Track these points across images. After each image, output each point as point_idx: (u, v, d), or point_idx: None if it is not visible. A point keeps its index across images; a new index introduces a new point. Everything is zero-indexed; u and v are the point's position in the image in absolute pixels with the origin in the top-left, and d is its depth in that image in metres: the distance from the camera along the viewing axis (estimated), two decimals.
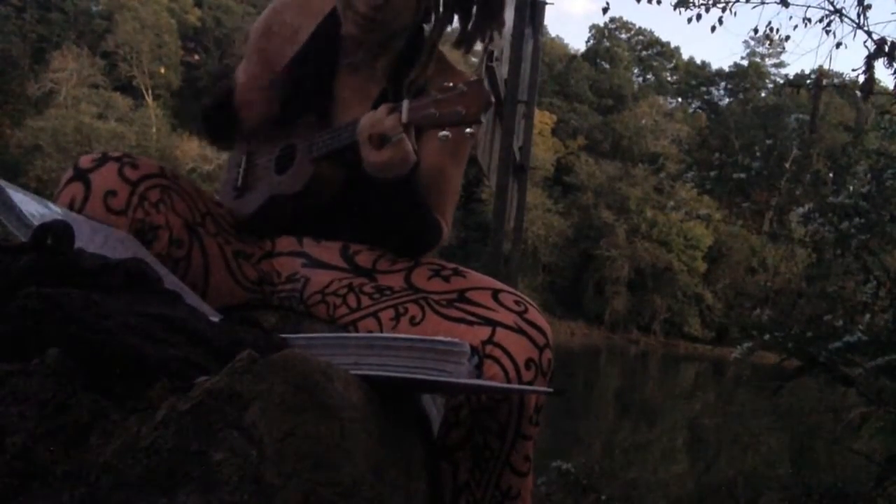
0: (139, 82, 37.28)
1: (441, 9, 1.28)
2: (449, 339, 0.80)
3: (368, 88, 1.33)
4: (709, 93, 50.27)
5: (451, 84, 1.11)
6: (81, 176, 1.10)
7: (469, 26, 1.29)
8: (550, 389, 1.03)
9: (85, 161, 1.12)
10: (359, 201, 1.22)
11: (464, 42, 1.30)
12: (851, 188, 3.27)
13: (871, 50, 3.15)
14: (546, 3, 5.03)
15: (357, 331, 1.18)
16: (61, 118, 31.37)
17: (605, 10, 5.23)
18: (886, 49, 3.11)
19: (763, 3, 4.09)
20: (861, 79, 3.19)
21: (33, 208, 0.88)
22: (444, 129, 1.09)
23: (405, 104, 1.13)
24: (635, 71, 50.40)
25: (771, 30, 5.21)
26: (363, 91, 1.33)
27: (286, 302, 1.29)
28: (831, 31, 4.05)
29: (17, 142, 31.50)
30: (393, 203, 1.19)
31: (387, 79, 1.32)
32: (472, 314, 1.08)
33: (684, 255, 35.35)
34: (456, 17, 1.30)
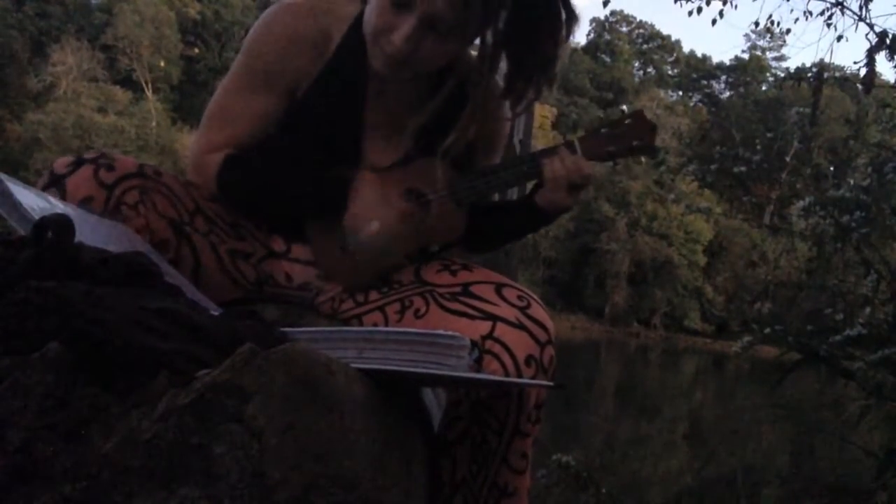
0: (139, 76, 37.25)
1: (488, 58, 1.12)
2: (449, 332, 0.79)
3: (402, 119, 1.20)
4: (709, 86, 50.26)
5: (614, 119, 1.20)
6: (57, 182, 1.05)
7: (519, 76, 1.15)
8: (551, 383, 1.03)
9: (60, 166, 1.07)
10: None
11: (511, 93, 1.18)
12: (852, 182, 3.26)
13: (873, 43, 3.14)
14: None
15: (362, 324, 1.18)
16: (61, 112, 31.38)
17: (605, 3, 5.22)
18: (888, 42, 3.10)
19: None
20: (862, 72, 3.18)
21: (34, 202, 0.88)
22: (615, 161, 1.21)
23: (577, 144, 1.20)
24: (636, 64, 50.39)
25: (772, 23, 5.20)
26: (396, 122, 1.22)
27: (292, 302, 1.27)
28: (832, 24, 4.05)
29: (17, 136, 31.51)
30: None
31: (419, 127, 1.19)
32: (474, 308, 1.06)
33: (685, 249, 35.35)
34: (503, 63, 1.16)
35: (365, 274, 1.20)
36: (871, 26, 3.29)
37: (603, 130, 1.20)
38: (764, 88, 45.13)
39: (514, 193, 1.78)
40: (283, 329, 0.76)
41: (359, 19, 1.18)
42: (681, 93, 50.63)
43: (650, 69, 50.84)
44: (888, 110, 3.76)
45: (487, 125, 1.27)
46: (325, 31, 1.19)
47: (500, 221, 1.32)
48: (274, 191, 1.20)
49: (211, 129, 1.23)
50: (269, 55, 1.18)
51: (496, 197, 1.42)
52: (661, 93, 47.36)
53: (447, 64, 1.16)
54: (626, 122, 1.20)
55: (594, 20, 49.47)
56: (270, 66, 1.18)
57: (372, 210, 1.17)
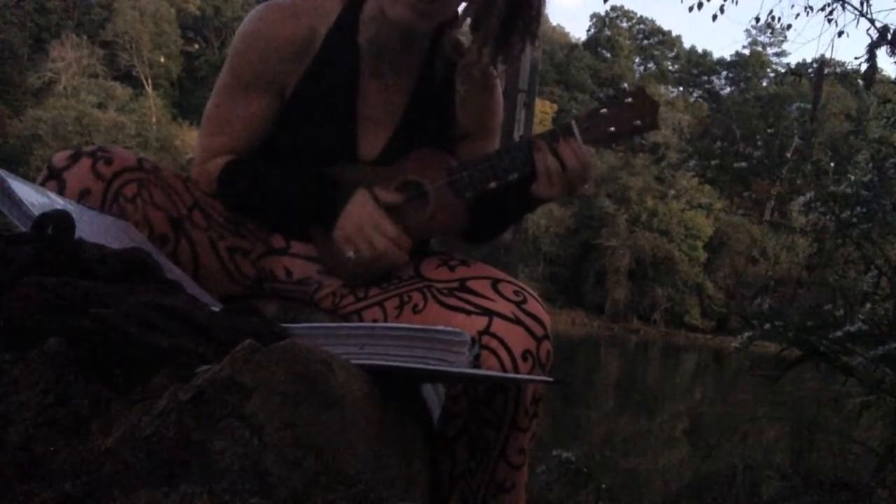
0: (139, 72, 37.24)
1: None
2: (450, 328, 0.80)
3: (394, 103, 1.23)
4: (710, 82, 50.24)
5: (614, 97, 1.14)
6: (56, 175, 1.06)
7: (506, 36, 1.17)
8: (550, 378, 1.03)
9: (59, 159, 1.08)
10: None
11: (499, 54, 1.20)
12: (853, 177, 3.25)
13: (874, 38, 3.14)
14: None
15: (362, 320, 1.18)
16: (61, 108, 31.40)
17: None
18: (889, 37, 3.09)
19: None
20: (863, 67, 3.17)
21: (34, 198, 0.88)
22: (617, 143, 1.14)
23: (575, 127, 1.14)
24: (636, 60, 50.35)
25: (772, 18, 5.20)
26: (388, 106, 1.23)
27: (293, 297, 1.27)
28: (833, 19, 4.04)
29: (17, 132, 31.50)
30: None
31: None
32: (471, 304, 1.06)
33: (685, 245, 35.32)
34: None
35: (365, 273, 1.20)
36: (872, 22, 3.29)
37: (602, 111, 1.14)
38: (764, 84, 45.13)
39: None
40: (283, 325, 0.76)
41: (346, 10, 1.20)
42: (681, 88, 50.59)
43: (651, 65, 50.78)
44: (889, 106, 3.75)
45: (480, 110, 1.29)
46: (310, 28, 1.19)
47: (495, 211, 1.28)
48: (271, 201, 1.21)
49: (207, 135, 1.23)
50: (253, 59, 1.18)
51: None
52: (662, 88, 47.29)
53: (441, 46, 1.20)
54: (627, 100, 1.14)
55: (594, 15, 49.47)
56: (256, 69, 1.18)
57: (357, 232, 1.16)
